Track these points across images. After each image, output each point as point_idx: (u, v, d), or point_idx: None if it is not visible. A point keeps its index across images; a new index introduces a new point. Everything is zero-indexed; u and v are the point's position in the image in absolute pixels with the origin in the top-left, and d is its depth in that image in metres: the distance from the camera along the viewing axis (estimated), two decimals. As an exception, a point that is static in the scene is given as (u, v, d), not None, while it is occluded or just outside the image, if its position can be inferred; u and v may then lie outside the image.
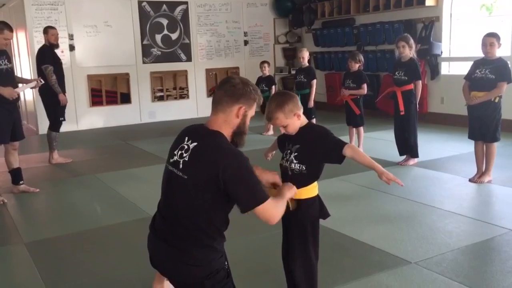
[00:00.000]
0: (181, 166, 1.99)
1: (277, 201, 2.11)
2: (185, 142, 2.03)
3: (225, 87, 2.07)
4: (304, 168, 2.47)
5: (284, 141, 2.62)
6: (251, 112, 2.12)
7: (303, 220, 2.52)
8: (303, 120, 2.53)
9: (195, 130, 2.09)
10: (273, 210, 2.04)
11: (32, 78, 5.95)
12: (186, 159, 1.98)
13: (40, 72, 6.30)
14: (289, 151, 2.53)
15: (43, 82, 5.61)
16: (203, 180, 1.94)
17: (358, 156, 2.43)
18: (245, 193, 1.97)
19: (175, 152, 2.04)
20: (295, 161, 2.48)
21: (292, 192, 2.30)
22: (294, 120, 2.47)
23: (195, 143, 2.00)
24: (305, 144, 2.48)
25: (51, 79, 6.21)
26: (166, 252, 2.06)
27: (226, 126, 2.06)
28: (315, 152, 2.46)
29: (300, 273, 2.56)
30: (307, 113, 7.26)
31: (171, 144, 2.16)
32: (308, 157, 2.47)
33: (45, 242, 3.92)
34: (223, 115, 2.05)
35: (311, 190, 2.52)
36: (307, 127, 2.54)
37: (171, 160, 2.05)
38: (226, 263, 2.13)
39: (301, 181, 2.49)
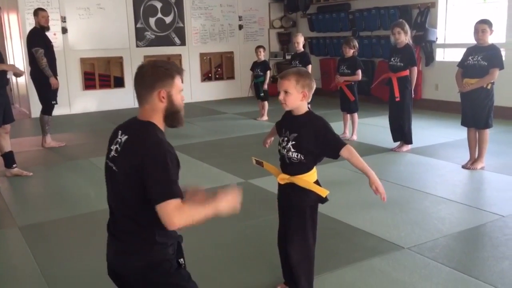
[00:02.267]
0: (115, 160, 1.99)
1: (192, 208, 1.87)
2: (119, 136, 2.02)
3: (137, 80, 2.03)
4: (303, 157, 2.47)
5: (281, 127, 2.60)
6: (175, 89, 2.01)
7: (303, 205, 2.53)
8: (304, 107, 2.52)
9: (128, 123, 2.07)
10: (178, 214, 1.80)
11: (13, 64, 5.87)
12: (119, 152, 1.97)
13: (31, 55, 6.23)
14: (286, 138, 2.52)
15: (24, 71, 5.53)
16: (129, 172, 1.91)
17: (354, 159, 2.46)
18: (155, 185, 1.84)
19: (112, 147, 2.04)
20: (292, 150, 2.48)
21: (229, 207, 2.00)
22: (299, 96, 2.46)
23: (126, 136, 1.99)
24: (304, 134, 2.46)
25: (41, 62, 6.14)
26: (111, 243, 2.08)
27: (155, 114, 2.00)
28: (314, 145, 2.45)
29: (298, 257, 2.57)
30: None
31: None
32: (306, 148, 2.46)
33: (39, 226, 3.91)
34: (148, 106, 2.00)
35: (310, 176, 2.53)
36: (307, 116, 2.52)
37: (110, 156, 2.04)
38: (175, 255, 2.04)
39: (300, 169, 2.50)
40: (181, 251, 2.11)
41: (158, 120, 2.02)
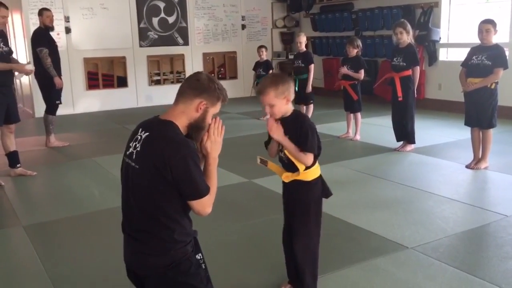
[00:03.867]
0: (134, 156, 1.99)
1: (213, 189, 2.04)
2: (139, 133, 2.02)
3: (190, 80, 2.07)
4: None
5: None
6: (213, 109, 2.07)
7: (307, 201, 2.55)
8: (290, 109, 2.53)
9: (149, 121, 2.07)
10: (208, 203, 2.00)
11: (27, 62, 5.89)
12: (138, 149, 1.97)
13: (35, 55, 6.24)
14: None
15: (33, 69, 5.52)
16: (150, 169, 1.92)
17: (303, 159, 2.48)
18: (188, 185, 1.92)
19: (131, 144, 2.03)
20: (284, 150, 2.51)
21: (217, 148, 2.10)
22: (283, 102, 2.48)
23: (147, 133, 1.99)
24: (290, 133, 2.48)
25: (46, 62, 6.16)
26: (127, 244, 2.07)
27: (182, 116, 2.02)
28: (294, 138, 2.47)
29: (303, 253, 2.58)
30: (305, 98, 7.27)
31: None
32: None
33: (43, 225, 3.92)
34: (182, 106, 2.02)
35: (312, 173, 2.55)
36: (293, 116, 2.53)
37: (127, 153, 2.04)
38: (194, 254, 2.06)
39: (297, 168, 2.52)
40: (198, 246, 2.12)
41: (182, 124, 2.03)
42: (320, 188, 2.59)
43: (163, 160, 1.89)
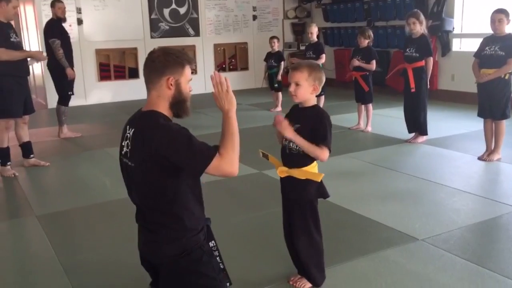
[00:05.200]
0: (128, 155, 1.98)
1: (228, 146, 1.93)
2: (128, 131, 2.01)
3: (147, 65, 2.01)
4: (300, 148, 2.46)
5: (289, 120, 2.52)
6: (184, 78, 2.00)
7: (303, 199, 2.53)
8: (313, 100, 2.52)
9: (134, 116, 2.06)
10: (224, 164, 1.90)
11: (39, 50, 5.93)
12: (130, 147, 1.97)
13: (48, 46, 6.29)
14: None
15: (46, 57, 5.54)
16: (147, 164, 1.90)
17: (318, 153, 2.42)
18: (190, 157, 1.87)
19: (123, 143, 2.03)
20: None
21: (233, 104, 1.99)
22: (310, 89, 2.45)
23: (133, 129, 1.98)
24: (305, 126, 2.46)
25: (58, 53, 6.20)
26: (141, 233, 2.09)
27: (161, 101, 1.99)
28: (309, 136, 2.43)
29: (306, 251, 2.58)
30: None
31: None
32: (305, 138, 2.43)
33: (56, 215, 3.98)
34: (154, 92, 1.99)
35: (309, 171, 2.51)
36: (313, 110, 2.52)
37: (122, 152, 2.04)
38: (206, 242, 2.05)
39: (298, 161, 2.50)
40: (210, 233, 2.12)
41: (163, 108, 2.00)
42: (315, 187, 2.53)
43: (155, 150, 1.87)
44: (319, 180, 2.51)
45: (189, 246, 1.98)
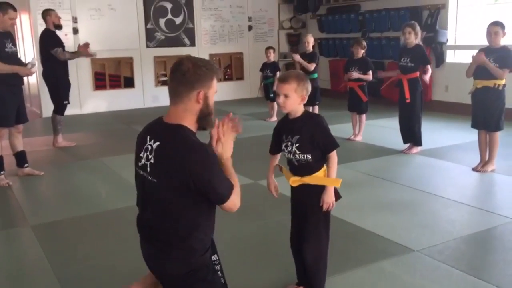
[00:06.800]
0: (149, 169, 1.91)
1: (236, 185, 2.00)
2: (148, 143, 1.93)
3: (176, 77, 1.93)
4: (310, 157, 2.50)
5: (281, 133, 2.60)
6: (212, 91, 1.97)
7: (317, 204, 2.54)
8: (301, 109, 2.55)
9: (156, 127, 1.99)
10: (237, 200, 1.99)
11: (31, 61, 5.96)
12: (152, 161, 1.89)
13: (43, 56, 6.31)
14: (289, 142, 2.52)
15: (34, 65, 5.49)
16: (172, 181, 1.86)
17: (333, 165, 2.52)
18: (214, 192, 1.89)
19: (141, 155, 1.95)
20: (298, 152, 2.50)
21: (229, 149, 2.08)
22: (298, 100, 2.49)
23: (157, 143, 1.90)
24: (305, 134, 2.49)
25: (65, 57, 6.31)
26: (145, 245, 2.05)
27: (188, 115, 1.94)
28: (314, 143, 2.48)
29: (313, 256, 2.59)
30: (311, 98, 7.26)
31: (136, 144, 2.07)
32: (309, 147, 2.48)
33: (51, 225, 3.95)
34: (182, 105, 1.93)
35: (320, 176, 2.55)
36: (305, 117, 2.54)
37: (140, 164, 1.96)
38: (212, 259, 2.05)
39: (310, 169, 2.53)
40: (214, 246, 2.11)
41: (190, 122, 1.95)
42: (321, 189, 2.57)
43: (184, 170, 1.83)
44: (339, 186, 2.55)
45: (196, 265, 1.97)
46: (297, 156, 2.51)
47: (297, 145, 2.49)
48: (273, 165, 2.72)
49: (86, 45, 6.64)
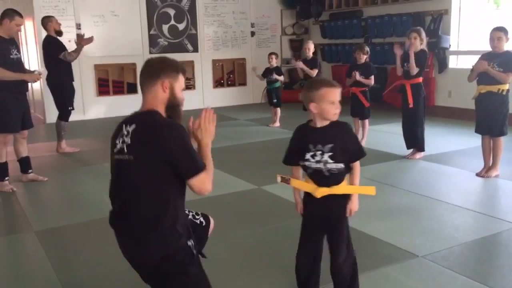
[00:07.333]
0: (125, 150, 2.03)
1: (209, 167, 2.09)
2: (124, 129, 2.08)
3: (143, 70, 2.15)
4: (343, 166, 2.42)
5: (307, 142, 2.43)
6: (178, 84, 2.14)
7: (343, 217, 2.51)
8: None
9: (131, 116, 2.16)
10: (208, 180, 2.06)
11: (37, 69, 6.00)
12: (129, 142, 2.03)
13: (47, 61, 6.35)
14: (319, 152, 2.39)
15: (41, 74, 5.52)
16: (150, 157, 1.98)
17: (358, 172, 2.51)
18: (188, 162, 2.00)
19: (117, 142, 2.09)
20: (330, 161, 2.38)
21: (210, 136, 2.16)
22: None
23: (133, 126, 2.06)
24: (338, 142, 2.39)
25: (73, 57, 6.39)
26: (123, 240, 2.13)
27: (158, 103, 2.11)
28: (346, 151, 2.41)
29: (349, 269, 2.51)
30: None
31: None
32: (344, 156, 2.40)
33: (55, 231, 3.96)
34: (150, 95, 2.11)
35: (346, 184, 2.51)
36: (335, 124, 2.44)
37: (115, 150, 2.09)
38: (188, 244, 2.07)
39: (339, 179, 2.46)
40: (190, 233, 2.14)
41: (161, 109, 2.11)
42: (348, 199, 2.52)
43: (162, 144, 1.96)
44: (374, 193, 2.58)
45: (172, 249, 2.03)
46: (328, 165, 2.38)
47: (330, 154, 2.36)
48: (299, 179, 2.58)
49: (90, 39, 6.61)
